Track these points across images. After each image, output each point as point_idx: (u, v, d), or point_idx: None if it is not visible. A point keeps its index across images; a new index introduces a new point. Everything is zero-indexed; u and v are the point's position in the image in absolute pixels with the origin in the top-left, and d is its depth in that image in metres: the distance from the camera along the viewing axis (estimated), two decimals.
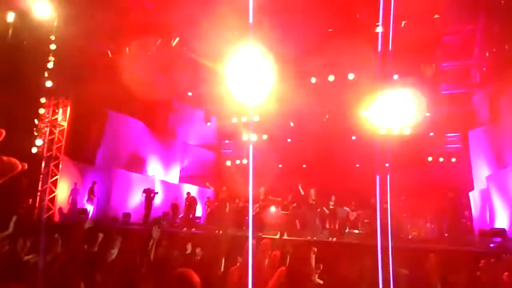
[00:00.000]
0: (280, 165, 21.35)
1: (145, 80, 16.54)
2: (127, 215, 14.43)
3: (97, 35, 13.34)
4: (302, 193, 13.91)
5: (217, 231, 13.62)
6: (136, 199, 15.48)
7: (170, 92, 16.89)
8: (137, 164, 16.36)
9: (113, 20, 13.26)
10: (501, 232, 10.80)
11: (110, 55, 13.60)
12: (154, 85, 17.22)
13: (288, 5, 11.93)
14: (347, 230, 14.76)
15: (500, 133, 12.82)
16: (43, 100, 12.62)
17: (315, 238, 13.02)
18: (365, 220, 15.26)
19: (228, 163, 21.59)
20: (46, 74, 12.66)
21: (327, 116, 17.13)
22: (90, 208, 13.98)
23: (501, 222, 11.75)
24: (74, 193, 14.03)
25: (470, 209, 14.62)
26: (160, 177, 17.39)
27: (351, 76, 13.85)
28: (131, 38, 13.55)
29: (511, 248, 10.06)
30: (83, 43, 13.41)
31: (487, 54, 13.37)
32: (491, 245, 10.43)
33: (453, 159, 17.43)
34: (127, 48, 13.53)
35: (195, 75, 16.31)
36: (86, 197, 14.15)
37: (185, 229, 13.74)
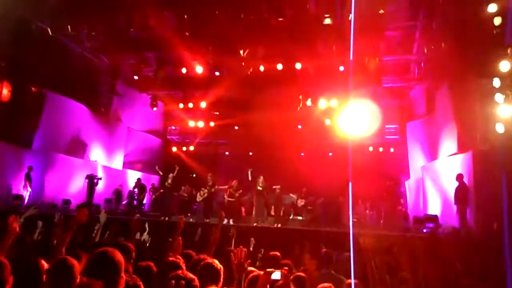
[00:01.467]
0: (227, 152, 21.45)
1: (88, 61, 15.88)
2: (67, 202, 13.88)
3: (37, 11, 12.53)
4: (250, 178, 14.04)
5: (162, 218, 13.47)
6: (77, 185, 14.88)
7: (115, 74, 16.29)
8: (79, 149, 15.68)
9: None
10: (434, 218, 11.58)
11: (50, 33, 12.82)
12: (98, 66, 16.60)
13: None
14: (291, 217, 15.17)
15: (434, 126, 13.64)
16: None
17: (262, 225, 13.27)
18: (309, 207, 15.73)
19: (174, 149, 21.32)
20: None
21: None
22: (26, 194, 13.28)
23: (433, 209, 12.58)
24: (8, 178, 13.23)
25: (406, 196, 15.53)
26: (103, 163, 16.81)
27: (298, 65, 14.06)
28: (75, 16, 12.84)
29: (442, 232, 10.86)
30: (20, 18, 12.57)
31: (425, 51, 14.09)
32: (424, 230, 11.16)
33: (392, 149, 18.34)
34: (69, 27, 12.81)
35: (141, 58, 15.84)
36: (22, 183, 13.41)
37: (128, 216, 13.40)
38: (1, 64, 12.62)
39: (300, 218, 15.41)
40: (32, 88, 13.86)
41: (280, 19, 12.31)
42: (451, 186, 10.95)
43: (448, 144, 12.13)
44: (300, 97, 17.11)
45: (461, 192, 10.35)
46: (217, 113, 19.25)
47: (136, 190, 15.58)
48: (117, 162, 18.01)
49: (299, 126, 18.78)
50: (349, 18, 11.21)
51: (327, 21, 11.86)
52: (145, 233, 7.58)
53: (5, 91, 12.74)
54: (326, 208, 14.29)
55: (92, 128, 16.52)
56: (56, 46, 13.95)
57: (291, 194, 15.47)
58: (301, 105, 17.21)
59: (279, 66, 14.30)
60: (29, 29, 12.89)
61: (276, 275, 3.42)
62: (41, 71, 13.95)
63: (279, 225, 13.37)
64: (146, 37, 14.21)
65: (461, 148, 11.22)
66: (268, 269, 3.34)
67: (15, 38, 12.66)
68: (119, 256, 2.62)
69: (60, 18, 12.77)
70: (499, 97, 8.94)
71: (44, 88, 14.23)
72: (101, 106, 17.33)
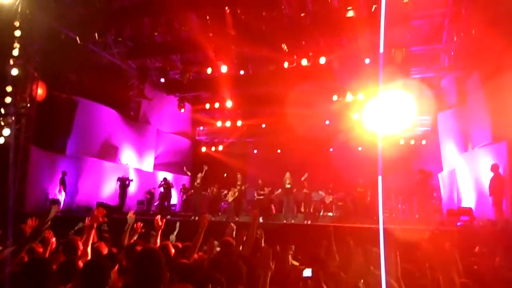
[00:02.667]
0: (255, 151, 21.50)
1: (116, 67, 16.28)
2: (100, 205, 14.27)
3: (65, 21, 12.95)
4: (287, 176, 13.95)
5: (192, 218, 13.64)
6: (109, 188, 15.29)
7: (142, 78, 16.61)
8: (110, 153, 16.11)
9: (82, 5, 12.95)
10: (468, 211, 11.20)
11: (79, 41, 13.23)
12: (126, 71, 16.99)
13: None
14: (321, 213, 15.05)
15: (467, 116, 13.21)
16: (9, 88, 12.19)
17: (293, 221, 13.23)
18: (339, 203, 15.59)
19: (203, 149, 21.57)
20: (11, 62, 12.24)
21: None
22: (61, 198, 13.75)
23: (468, 201, 12.19)
24: (44, 183, 13.74)
25: (439, 189, 15.10)
26: (134, 165, 17.20)
27: (322, 60, 13.91)
28: (101, 24, 13.20)
29: (477, 225, 10.50)
30: (50, 29, 13.02)
31: (455, 39, 13.65)
32: (458, 223, 10.82)
33: (423, 141, 17.88)
34: (96, 34, 13.17)
35: (167, 60, 16.10)
36: (57, 188, 13.89)
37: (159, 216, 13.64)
38: (34, 74, 13.09)
39: (330, 214, 15.29)
40: (64, 95, 14.34)
41: (302, 14, 12.19)
42: (485, 177, 10.57)
43: (482, 134, 11.71)
44: (327, 92, 16.98)
45: (496, 183, 9.97)
46: (244, 112, 19.32)
47: (161, 189, 15.77)
48: (148, 164, 18.38)
49: (327, 122, 18.60)
50: (372, 10, 11.04)
51: (350, 13, 11.65)
52: (174, 234, 7.69)
53: (40, 91, 13.22)
54: (356, 203, 14.07)
55: (123, 132, 16.93)
56: (85, 54, 14.37)
57: (320, 192, 15.34)
58: (328, 100, 17.07)
59: (304, 62, 14.17)
60: (59, 38, 13.32)
61: (307, 272, 3.41)
62: (72, 79, 14.45)
63: (309, 222, 13.28)
64: (171, 40, 14.44)
65: (495, 138, 10.81)
66: (300, 266, 3.32)
67: (46, 48, 13.15)
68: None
69: (87, 26, 13.12)
70: None
71: (75, 95, 14.71)
72: (131, 110, 17.77)
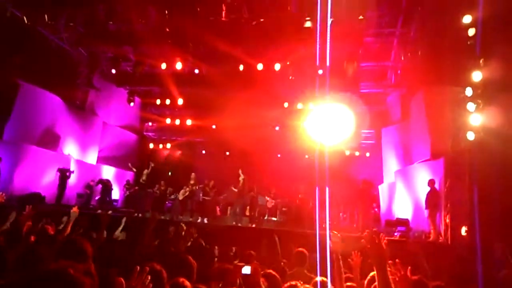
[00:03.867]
0: (204, 151, 21.36)
1: (65, 52, 15.54)
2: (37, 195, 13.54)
3: None
4: (242, 178, 13.94)
5: (136, 214, 13.30)
6: (48, 178, 14.53)
7: (92, 67, 15.99)
8: (51, 141, 15.28)
9: None
10: (405, 222, 11.83)
11: (26, 21, 12.49)
12: (75, 58, 16.27)
13: None
14: (266, 218, 15.24)
15: (408, 132, 13.95)
16: None
17: (239, 224, 13.28)
18: (283, 209, 15.87)
19: (151, 146, 21.11)
20: None
21: None
22: None
23: (405, 213, 12.85)
24: None
25: (379, 200, 15.80)
26: (76, 157, 16.47)
27: (277, 66, 14.15)
28: (53, 5, 12.56)
29: (413, 236, 11.11)
30: None
31: (402, 58, 14.40)
32: (396, 233, 11.38)
33: (367, 154, 18.63)
34: (46, 16, 12.50)
35: (120, 52, 15.60)
36: None
37: (99, 211, 13.18)
38: None
39: (274, 219, 15.51)
40: (5, 77, 13.46)
41: (261, 19, 12.34)
42: (422, 191, 11.21)
43: (421, 150, 12.42)
44: (279, 98, 17.25)
45: (432, 197, 10.62)
46: (194, 111, 19.14)
47: (101, 185, 15.32)
48: (92, 157, 17.67)
49: (277, 128, 18.87)
50: (329, 23, 11.39)
51: (308, 24, 11.95)
52: (119, 229, 7.48)
53: None
54: (299, 210, 14.38)
55: (67, 121, 16.14)
56: (32, 36, 13.59)
57: (265, 197, 15.55)
58: (279, 107, 17.35)
59: (259, 66, 14.33)
60: (4, 17, 12.52)
61: (246, 269, 3.47)
62: (15, 61, 13.58)
63: (254, 225, 13.39)
64: (125, 31, 14.00)
65: (434, 155, 11.51)
66: (238, 264, 3.37)
67: None
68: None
69: (37, 6, 12.44)
70: (471, 106, 9.23)
71: (17, 78, 13.85)
72: (77, 99, 16.98)
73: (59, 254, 2.87)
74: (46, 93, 14.89)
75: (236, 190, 13.86)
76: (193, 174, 14.60)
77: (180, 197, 14.25)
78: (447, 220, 9.95)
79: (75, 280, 1.51)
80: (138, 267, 2.71)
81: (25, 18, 12.46)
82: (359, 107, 17.03)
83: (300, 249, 5.81)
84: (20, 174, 13.66)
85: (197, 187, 14.52)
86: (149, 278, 2.28)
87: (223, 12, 12.77)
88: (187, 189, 14.22)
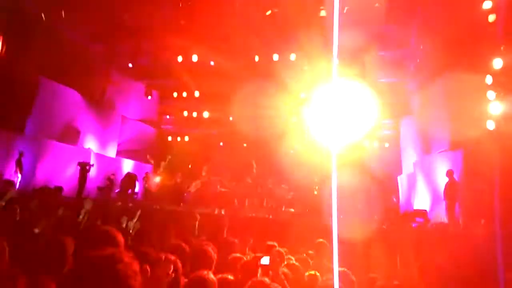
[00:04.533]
0: (221, 143, 21.43)
1: (83, 48, 15.76)
2: (59, 188, 13.84)
3: None
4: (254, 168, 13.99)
5: (154, 206, 13.47)
6: (69, 172, 14.85)
7: (110, 62, 16.18)
8: (71, 136, 15.60)
9: None
10: (423, 213, 11.65)
11: (44, 18, 12.70)
12: (92, 54, 16.48)
13: None
14: (283, 209, 15.23)
15: (428, 122, 13.67)
16: None
17: (253, 215, 13.30)
18: (301, 200, 15.85)
19: (169, 138, 21.31)
20: None
21: None
22: (17, 180, 13.23)
23: (423, 204, 12.66)
24: None
25: (398, 191, 15.61)
26: (96, 150, 16.77)
27: (292, 56, 14.07)
28: (69, 2, 12.74)
29: (431, 227, 10.93)
30: (13, 4, 12.45)
31: (421, 46, 14.07)
32: (414, 224, 11.23)
33: (386, 144, 18.36)
34: (63, 12, 12.69)
35: (137, 46, 15.73)
36: (13, 169, 13.35)
37: (119, 203, 13.40)
38: None
39: (292, 210, 15.48)
40: (26, 74, 13.75)
41: (276, 10, 12.24)
42: (441, 182, 11.01)
43: (440, 141, 12.18)
44: (296, 89, 17.13)
45: (451, 188, 10.42)
46: (211, 103, 19.20)
47: (125, 180, 15.59)
48: (111, 150, 17.97)
49: (294, 119, 18.77)
50: (344, 11, 11.22)
51: (323, 13, 11.80)
52: (134, 220, 7.60)
53: None
54: (317, 201, 14.32)
55: (86, 116, 16.43)
56: (50, 32, 13.82)
57: (282, 186, 15.51)
58: (297, 97, 17.23)
59: (275, 57, 14.27)
60: (22, 15, 12.76)
61: (265, 260, 3.47)
62: (35, 57, 13.84)
63: (271, 216, 13.39)
64: (141, 25, 14.10)
65: (453, 146, 11.27)
66: (257, 254, 3.38)
67: (9, 24, 12.56)
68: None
69: (54, 3, 12.64)
70: (491, 94, 8.98)
71: (38, 74, 14.14)
72: (96, 94, 17.25)
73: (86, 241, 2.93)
74: (66, 89, 15.17)
75: (251, 181, 13.88)
76: (205, 166, 14.69)
77: (192, 189, 14.37)
78: (466, 211, 9.76)
79: (125, 268, 1.51)
80: (164, 257, 2.75)
81: (43, 15, 12.66)
82: (378, 97, 16.83)
83: (321, 240, 5.81)
84: (41, 168, 14.01)
85: (211, 179, 14.62)
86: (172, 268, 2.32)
87: (236, 4, 12.71)
88: (199, 181, 14.32)
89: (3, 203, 3.49)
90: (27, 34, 12.94)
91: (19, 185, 13.08)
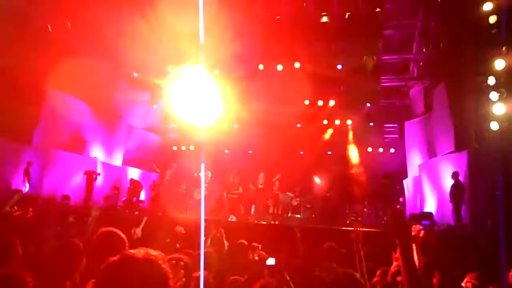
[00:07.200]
0: (227, 151, 21.49)
1: (89, 58, 15.96)
2: (66, 197, 13.97)
3: (36, 7, 12.63)
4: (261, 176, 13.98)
5: (160, 214, 13.54)
6: (76, 181, 14.98)
7: (115, 71, 16.37)
8: (78, 145, 15.75)
9: None
10: (429, 215, 11.63)
11: (50, 29, 12.93)
12: (98, 63, 16.68)
13: None
14: (289, 215, 15.25)
15: (432, 124, 13.69)
16: None
17: (262, 222, 13.34)
18: (307, 206, 15.90)
19: (174, 148, 21.41)
20: None
21: None
22: (25, 189, 13.37)
23: (429, 206, 12.63)
24: (7, 173, 13.33)
25: (404, 195, 15.58)
26: (102, 159, 16.90)
27: (297, 65, 14.16)
28: (75, 12, 12.94)
29: (437, 230, 10.91)
30: (20, 15, 12.68)
31: (424, 50, 14.15)
32: (420, 227, 11.19)
33: (392, 150, 18.32)
34: (69, 23, 12.90)
35: (142, 55, 15.93)
36: (21, 178, 13.51)
37: (127, 211, 13.52)
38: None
39: (298, 216, 15.50)
40: (33, 85, 13.95)
41: (278, 17, 12.36)
42: (447, 184, 11.00)
43: (445, 143, 12.18)
44: (299, 96, 17.25)
45: (457, 190, 10.41)
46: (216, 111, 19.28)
47: (130, 187, 15.74)
48: (117, 159, 18.10)
49: (298, 125, 18.87)
50: (345, 17, 11.34)
51: (324, 19, 11.90)
52: (140, 228, 7.66)
53: None
54: (323, 206, 14.37)
55: (92, 125, 16.60)
56: (56, 43, 14.04)
57: (287, 193, 15.54)
58: (300, 104, 17.33)
59: (279, 67, 14.44)
60: (29, 26, 12.98)
61: (271, 261, 3.54)
62: (41, 68, 14.05)
63: (277, 222, 13.42)
64: (146, 34, 14.26)
65: (457, 147, 11.28)
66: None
67: (16, 35, 12.77)
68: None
69: (60, 14, 12.86)
70: (493, 95, 9.01)
71: (44, 85, 14.34)
72: (101, 103, 17.43)
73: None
74: (72, 99, 15.35)
75: (253, 188, 13.94)
76: (209, 173, 14.79)
77: (196, 196, 14.44)
78: (472, 213, 9.74)
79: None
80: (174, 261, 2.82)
81: (49, 27, 12.89)
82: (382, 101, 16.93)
83: (330, 243, 5.84)
84: (49, 178, 14.15)
85: (215, 186, 14.72)
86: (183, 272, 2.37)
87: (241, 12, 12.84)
88: (203, 187, 14.38)
89: (9, 208, 3.58)
90: (34, 45, 13.14)
91: (27, 194, 13.21)
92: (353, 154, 18.08)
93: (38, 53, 13.37)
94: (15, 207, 3.92)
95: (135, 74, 16.30)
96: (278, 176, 14.10)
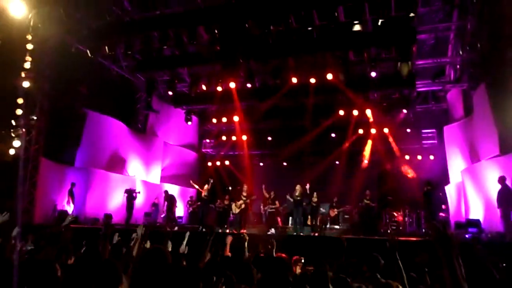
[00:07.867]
0: (262, 164, 21.54)
1: (125, 80, 16.52)
2: (109, 216, 14.30)
3: (76, 35, 13.23)
4: (298, 188, 13.85)
5: (199, 229, 13.66)
6: (117, 200, 15.36)
7: (150, 91, 16.81)
8: (117, 164, 16.24)
9: (93, 19, 13.21)
10: (476, 223, 11.17)
11: (89, 55, 13.50)
12: (134, 84, 17.25)
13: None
14: (328, 226, 15.03)
15: (473, 128, 13.24)
16: (20, 101, 12.38)
17: (301, 234, 13.21)
18: (345, 216, 15.68)
19: (209, 163, 21.65)
20: (23, 75, 12.46)
21: None
22: (70, 209, 13.83)
23: (475, 213, 12.14)
24: (53, 194, 13.85)
25: (447, 202, 15.05)
26: (141, 177, 17.29)
27: (329, 76, 14.08)
28: (111, 38, 13.46)
29: (485, 237, 10.45)
30: (61, 42, 13.30)
31: (460, 52, 13.77)
32: (467, 236, 10.77)
33: (431, 157, 17.81)
34: (106, 47, 13.43)
35: (175, 73, 16.32)
36: (66, 199, 13.99)
37: (168, 228, 13.67)
38: (45, 86, 13.32)
39: (336, 227, 15.26)
40: (73, 108, 14.55)
41: (309, 28, 12.35)
42: (493, 189, 10.55)
43: (489, 146, 11.71)
44: (333, 106, 17.17)
45: (504, 195, 9.96)
46: (250, 125, 19.46)
47: (166, 202, 15.96)
48: (155, 176, 18.46)
49: (333, 135, 18.72)
50: (378, 24, 11.19)
51: (357, 27, 11.77)
52: (184, 243, 7.72)
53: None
54: (362, 216, 14.10)
55: (130, 144, 17.08)
56: (95, 67, 14.62)
57: (326, 205, 15.37)
58: (334, 114, 17.24)
59: (312, 80, 14.46)
60: (69, 52, 13.58)
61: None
62: (81, 91, 14.66)
63: (316, 234, 13.26)
64: (179, 54, 14.57)
65: (503, 150, 10.82)
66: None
67: (57, 61, 13.40)
68: None
69: (97, 40, 13.41)
70: None
71: (84, 107, 14.92)
72: (138, 123, 17.97)
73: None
74: (110, 119, 15.89)
75: (291, 199, 13.87)
76: (245, 186, 14.83)
77: (235, 210, 14.48)
78: None
79: None
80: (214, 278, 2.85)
81: (88, 52, 13.44)
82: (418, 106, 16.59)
83: (374, 253, 5.72)
84: (91, 197, 14.60)
85: (252, 199, 14.77)
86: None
87: (271, 25, 12.88)
88: (241, 201, 14.41)
89: (64, 229, 3.72)
90: (73, 70, 13.71)
91: (72, 214, 13.66)
92: (391, 162, 17.74)
93: (77, 77, 13.96)
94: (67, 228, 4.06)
95: (170, 93, 16.65)
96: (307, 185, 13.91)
